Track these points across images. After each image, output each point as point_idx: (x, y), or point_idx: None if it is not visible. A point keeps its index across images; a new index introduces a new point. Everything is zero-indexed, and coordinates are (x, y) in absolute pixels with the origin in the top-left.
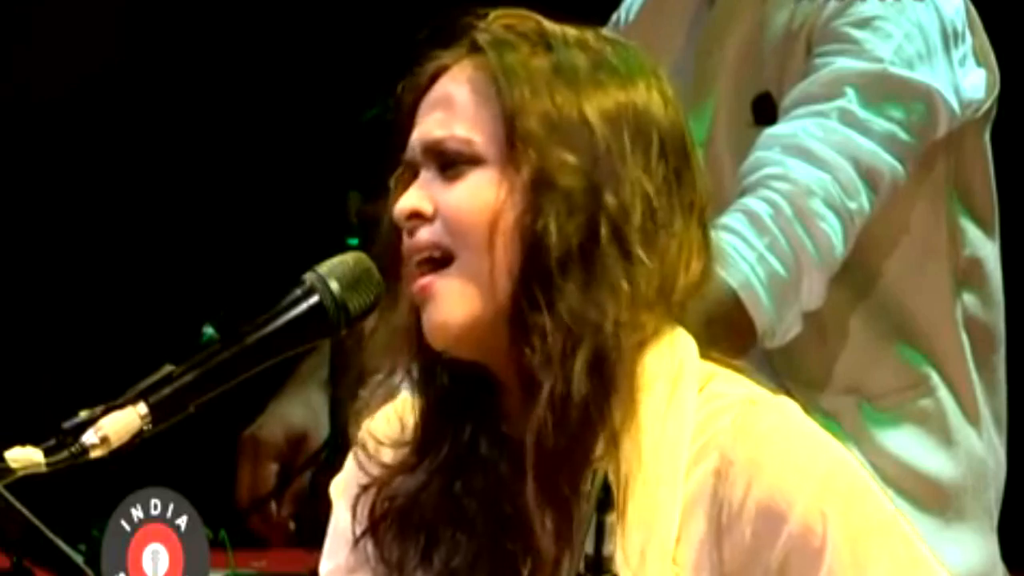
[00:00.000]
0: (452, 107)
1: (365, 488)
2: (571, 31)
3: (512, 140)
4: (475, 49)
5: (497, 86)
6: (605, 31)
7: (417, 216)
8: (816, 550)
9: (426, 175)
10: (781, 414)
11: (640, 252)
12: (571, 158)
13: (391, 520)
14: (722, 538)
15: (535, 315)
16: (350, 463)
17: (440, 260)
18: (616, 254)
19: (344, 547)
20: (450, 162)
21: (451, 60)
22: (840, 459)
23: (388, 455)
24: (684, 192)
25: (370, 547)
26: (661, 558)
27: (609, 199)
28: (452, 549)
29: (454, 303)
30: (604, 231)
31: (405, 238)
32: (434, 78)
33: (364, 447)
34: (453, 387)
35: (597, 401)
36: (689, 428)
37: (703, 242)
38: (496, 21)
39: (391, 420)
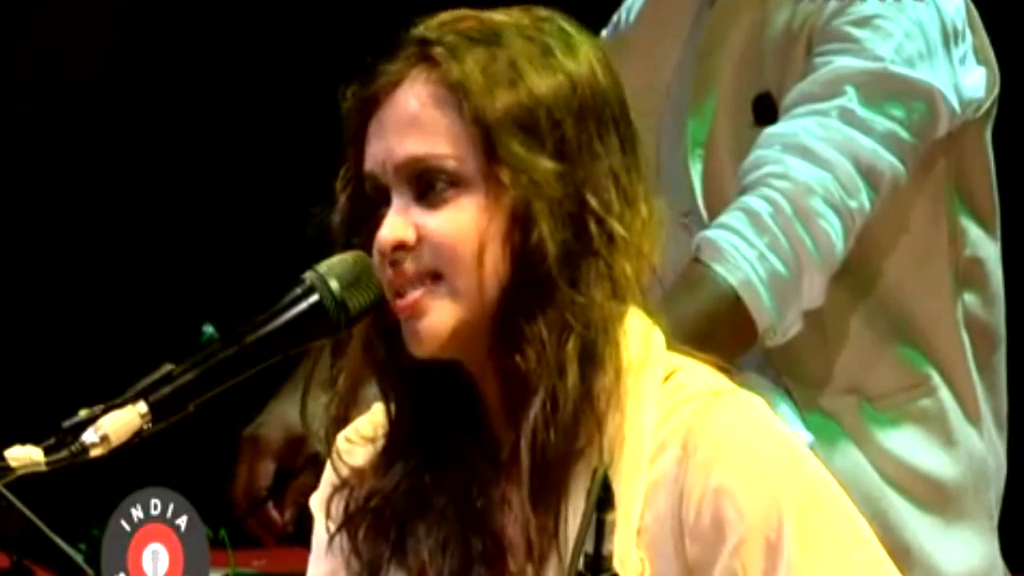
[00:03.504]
0: (419, 124)
1: (337, 489)
2: (509, 19)
3: (492, 158)
4: (426, 59)
5: (463, 99)
6: (534, 8)
7: (401, 247)
8: (772, 545)
9: (400, 200)
10: (742, 408)
11: (623, 235)
12: (551, 164)
13: (365, 519)
14: (683, 528)
15: (529, 323)
16: (326, 478)
17: (429, 281)
18: (604, 246)
19: (323, 557)
20: (429, 184)
21: (402, 73)
22: (799, 456)
23: (361, 457)
24: (638, 160)
25: (346, 547)
26: (625, 540)
27: (591, 196)
28: (423, 543)
29: (444, 317)
30: (593, 228)
31: (387, 268)
32: (387, 93)
33: (337, 451)
34: (425, 389)
35: (588, 392)
36: (652, 417)
37: (650, 215)
38: (441, 26)
39: (364, 424)
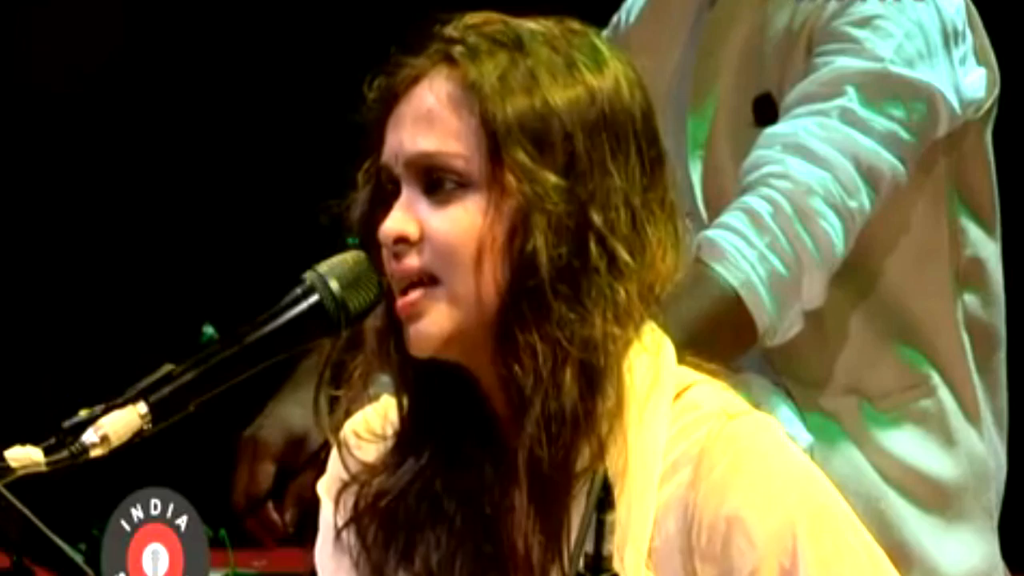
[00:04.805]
0: (433, 121)
1: (347, 484)
2: (538, 28)
3: (497, 162)
4: (447, 58)
5: (477, 102)
6: (568, 20)
7: (403, 240)
8: (787, 572)
9: (409, 193)
10: (756, 431)
11: (626, 260)
12: (557, 179)
13: (373, 518)
14: (694, 549)
15: (524, 333)
16: (334, 462)
17: (427, 282)
18: (604, 267)
19: (330, 544)
20: (437, 180)
21: (423, 69)
22: (812, 480)
23: (371, 453)
24: (658, 184)
25: (353, 543)
26: (635, 561)
27: (595, 214)
28: (432, 548)
29: (441, 320)
30: (593, 247)
31: (391, 260)
32: (407, 87)
33: (347, 445)
34: (436, 389)
35: (587, 413)
36: (663, 436)
37: (675, 235)
38: (466, 27)
39: (374, 418)
